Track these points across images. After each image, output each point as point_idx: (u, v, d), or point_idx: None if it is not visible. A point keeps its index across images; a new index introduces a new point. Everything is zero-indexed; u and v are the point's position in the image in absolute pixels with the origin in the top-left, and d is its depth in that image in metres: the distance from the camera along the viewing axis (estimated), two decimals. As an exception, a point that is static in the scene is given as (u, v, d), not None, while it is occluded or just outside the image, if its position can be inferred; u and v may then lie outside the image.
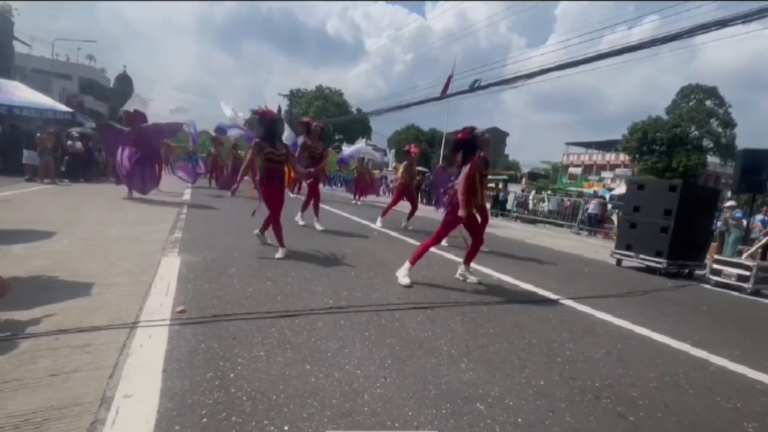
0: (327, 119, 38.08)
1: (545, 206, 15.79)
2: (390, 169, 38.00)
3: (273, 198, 4.37)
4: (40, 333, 1.99)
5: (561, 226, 13.89)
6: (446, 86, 21.54)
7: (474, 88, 13.90)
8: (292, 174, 6.54)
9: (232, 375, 1.79)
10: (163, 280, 3.02)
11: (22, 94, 11.95)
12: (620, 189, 14.37)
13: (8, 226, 4.37)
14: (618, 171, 42.76)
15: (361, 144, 16.39)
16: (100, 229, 4.78)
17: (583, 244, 9.50)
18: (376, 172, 20.91)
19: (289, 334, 2.29)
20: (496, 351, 2.38)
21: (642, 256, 6.10)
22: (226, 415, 1.50)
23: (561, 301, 3.72)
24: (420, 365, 2.08)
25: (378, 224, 7.61)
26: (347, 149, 17.58)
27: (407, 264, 3.79)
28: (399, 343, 2.32)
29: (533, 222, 14.64)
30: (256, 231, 4.73)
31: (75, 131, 11.93)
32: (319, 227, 6.23)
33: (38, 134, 10.11)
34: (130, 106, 8.33)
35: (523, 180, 34.74)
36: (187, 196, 9.89)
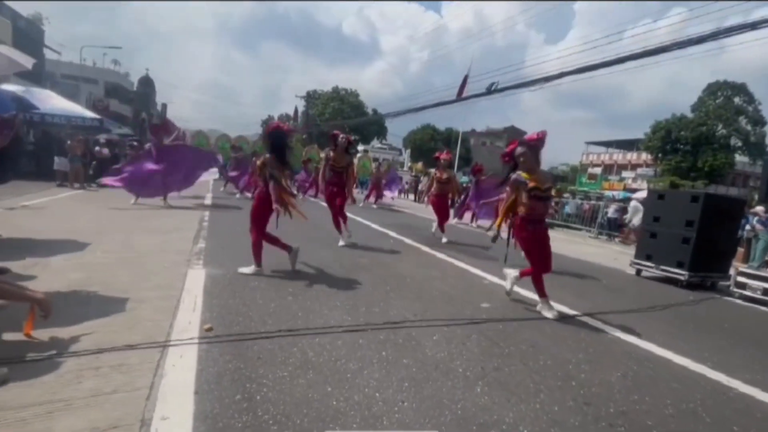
0: (343, 120, 38.33)
1: (565, 209, 15.53)
2: (405, 169, 38.02)
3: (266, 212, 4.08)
4: (81, 352, 2.14)
5: (579, 230, 13.68)
6: (462, 87, 21.40)
7: (491, 91, 13.80)
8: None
9: (258, 397, 1.90)
10: (190, 295, 3.17)
11: (54, 102, 12.47)
12: (642, 193, 14.01)
13: (47, 236, 4.63)
14: (640, 171, 41.70)
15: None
16: (128, 239, 5.00)
17: (602, 251, 9.36)
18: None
19: (311, 354, 2.39)
20: (511, 373, 2.42)
21: (663, 267, 6.00)
22: (254, 440, 1.60)
23: (577, 317, 3.72)
24: (436, 388, 2.15)
25: (438, 235, 7.42)
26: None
27: (543, 300, 3.64)
28: (416, 364, 2.40)
29: (551, 226, 14.45)
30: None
31: (102, 138, 12.38)
32: (341, 242, 5.97)
33: (68, 142, 10.56)
34: None
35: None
36: (207, 200, 10.17)
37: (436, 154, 7.63)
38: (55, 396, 1.76)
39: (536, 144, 3.58)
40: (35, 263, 3.59)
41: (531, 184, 3.52)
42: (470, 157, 53.41)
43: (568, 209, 15.53)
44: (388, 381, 2.17)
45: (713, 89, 38.40)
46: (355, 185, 6.69)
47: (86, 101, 25.61)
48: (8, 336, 2.23)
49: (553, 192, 3.68)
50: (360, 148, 51.85)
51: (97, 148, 11.98)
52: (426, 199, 8.05)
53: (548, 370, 2.53)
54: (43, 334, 2.26)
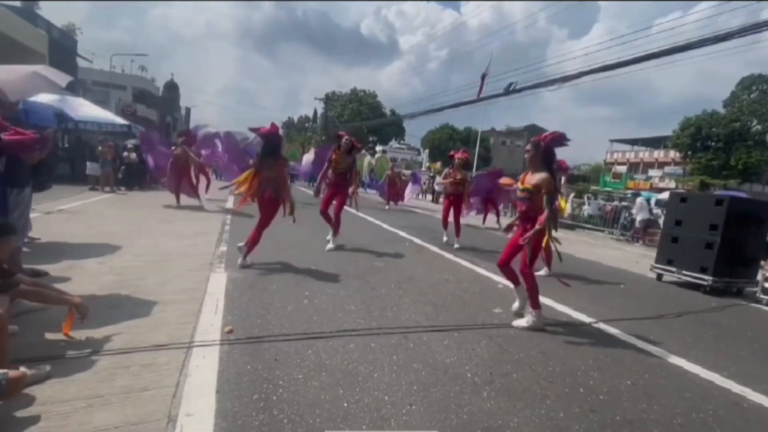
0: (361, 122, 38.59)
1: (585, 210, 15.22)
2: (423, 169, 37.95)
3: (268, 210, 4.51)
4: (115, 351, 2.32)
5: (601, 231, 13.40)
6: (481, 87, 21.25)
7: (509, 91, 13.68)
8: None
9: (274, 397, 2.02)
10: (212, 298, 3.35)
11: (85, 109, 13.11)
12: (666, 194, 13.64)
13: (81, 239, 4.93)
14: (667, 169, 40.24)
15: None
16: (155, 242, 5.27)
17: (623, 254, 9.17)
18: (407, 172, 20.97)
19: (324, 357, 2.51)
20: (518, 379, 2.48)
21: (685, 272, 5.86)
22: (270, 437, 1.73)
23: (591, 323, 3.71)
24: (444, 392, 2.23)
25: (450, 241, 7.18)
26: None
27: (531, 311, 3.43)
28: (425, 369, 2.48)
29: (572, 228, 14.19)
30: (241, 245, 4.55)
31: (130, 143, 12.92)
32: (329, 246, 5.89)
33: (99, 147, 11.09)
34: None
35: (562, 180, 33.42)
36: (230, 203, 10.49)
37: (452, 153, 7.43)
38: (92, 392, 1.94)
39: (543, 143, 3.50)
40: (71, 266, 3.85)
41: (519, 185, 3.53)
42: (490, 156, 52.81)
43: (589, 210, 15.22)
44: (397, 384, 2.26)
45: (747, 83, 36.70)
46: (357, 188, 6.53)
47: (115, 107, 26.73)
48: (50, 336, 2.43)
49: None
50: (378, 148, 52.15)
51: (125, 153, 12.52)
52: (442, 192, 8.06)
53: (557, 376, 2.57)
54: (80, 334, 2.46)
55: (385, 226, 9.02)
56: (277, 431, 1.77)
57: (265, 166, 4.45)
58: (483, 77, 20.79)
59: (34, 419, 1.72)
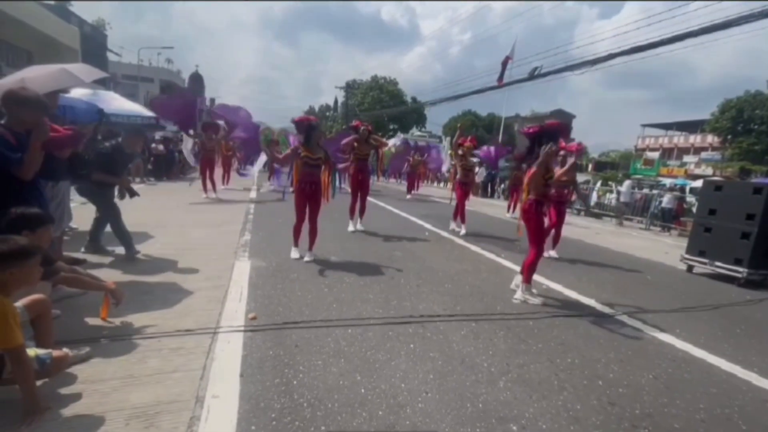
0: (382, 109, 38.32)
1: (612, 197, 14.70)
2: (445, 156, 37.47)
3: (302, 203, 4.49)
4: (147, 335, 2.47)
5: (629, 220, 12.96)
6: (503, 70, 20.60)
7: (534, 75, 13.26)
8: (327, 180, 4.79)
9: (295, 382, 2.11)
10: (237, 286, 3.49)
11: (116, 103, 13.57)
12: (700, 182, 13.05)
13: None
14: (704, 155, 38.22)
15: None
16: (183, 231, 5.48)
17: (652, 244, 8.85)
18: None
19: (343, 343, 2.58)
20: (536, 370, 2.48)
21: (718, 263, 5.63)
22: (290, 420, 1.81)
23: (614, 315, 3.65)
24: (460, 382, 2.27)
25: (457, 229, 7.16)
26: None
27: (522, 286, 3.81)
28: (441, 358, 2.52)
29: (598, 216, 13.79)
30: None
31: (158, 135, 13.35)
32: (351, 228, 6.39)
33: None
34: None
35: (589, 167, 32.41)
36: (253, 194, 10.74)
37: (459, 140, 7.35)
38: (127, 372, 2.08)
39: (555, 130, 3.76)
40: (107, 254, 4.08)
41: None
42: (514, 143, 51.62)
43: (622, 197, 14.63)
44: (414, 372, 2.31)
45: (796, 61, 34.09)
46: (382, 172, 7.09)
47: (144, 99, 27.57)
48: (89, 320, 2.61)
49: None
50: (399, 136, 51.75)
51: (153, 145, 12.96)
52: (451, 186, 8.08)
53: (575, 368, 2.55)
54: (115, 319, 2.62)
55: (404, 214, 9.03)
56: (297, 414, 1.85)
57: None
58: (505, 62, 20.14)
59: (77, 396, 1.86)
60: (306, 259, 4.49)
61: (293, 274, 3.98)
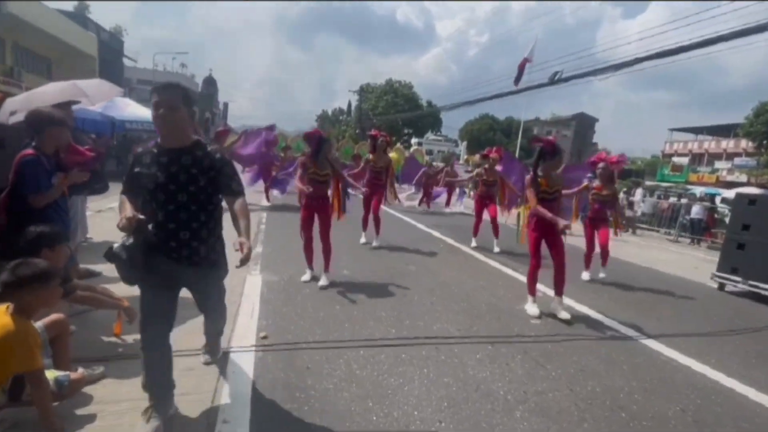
0: (396, 114, 38.49)
1: (638, 209, 14.39)
2: (461, 162, 37.35)
3: (309, 220, 4.30)
4: (159, 354, 2.53)
5: (656, 231, 12.66)
6: (520, 72, 20.37)
7: (554, 80, 13.15)
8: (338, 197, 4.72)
9: (306, 408, 2.14)
10: (248, 301, 3.55)
11: (131, 109, 14.02)
12: (730, 193, 12.75)
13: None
14: (737, 161, 37.09)
15: None
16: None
17: (681, 258, 8.63)
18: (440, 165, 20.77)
19: (355, 366, 2.60)
20: (555, 399, 2.45)
21: (752, 282, 5.45)
22: (301, 448, 1.84)
23: (638, 338, 3.57)
24: (475, 410, 2.26)
25: (473, 244, 7.00)
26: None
27: (529, 298, 4.04)
28: (456, 383, 2.51)
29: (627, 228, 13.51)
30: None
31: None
32: (362, 240, 6.46)
33: (139, 148, 11.91)
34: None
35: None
36: (264, 201, 10.89)
37: (485, 151, 7.25)
38: (140, 394, 2.12)
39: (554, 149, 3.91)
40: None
41: (542, 187, 3.86)
42: (533, 148, 51.10)
43: (644, 207, 14.39)
44: (427, 399, 2.31)
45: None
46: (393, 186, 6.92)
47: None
48: (103, 337, 2.69)
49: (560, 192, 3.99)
50: (413, 141, 51.87)
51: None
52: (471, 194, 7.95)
53: (596, 397, 2.51)
54: (129, 336, 2.70)
55: (418, 225, 9.03)
56: (308, 442, 1.88)
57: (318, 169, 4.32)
58: (523, 64, 19.94)
59: (92, 417, 1.93)
60: (321, 283, 4.19)
61: (305, 289, 4.03)
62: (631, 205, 13.03)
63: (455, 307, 3.90)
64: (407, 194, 8.58)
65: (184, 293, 2.09)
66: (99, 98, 4.00)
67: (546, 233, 3.87)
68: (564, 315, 3.78)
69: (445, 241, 7.26)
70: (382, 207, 6.33)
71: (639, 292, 5.21)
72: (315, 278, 4.33)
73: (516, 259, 6.30)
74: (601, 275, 5.57)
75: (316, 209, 4.32)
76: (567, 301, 4.38)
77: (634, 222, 12.64)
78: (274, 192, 10.34)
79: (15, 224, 2.47)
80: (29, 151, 2.51)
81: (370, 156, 6.23)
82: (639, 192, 13.55)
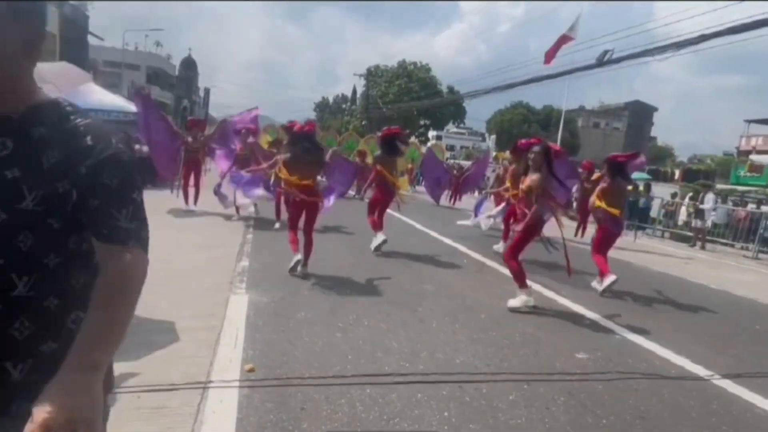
0: (410, 101, 38.69)
1: (709, 218, 14.11)
2: (490, 160, 37.21)
3: (297, 213, 5.28)
4: (125, 389, 2.54)
5: (731, 246, 12.44)
6: (555, 48, 20.28)
7: (603, 61, 13.11)
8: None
9: (300, 458, 2.12)
10: (232, 326, 3.56)
11: (96, 96, 14.29)
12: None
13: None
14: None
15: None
16: (169, 254, 5.64)
17: (761, 280, 8.46)
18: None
19: (360, 408, 2.58)
20: (607, 453, 2.40)
21: None
22: (294, 508, 1.82)
23: (710, 379, 3.49)
24: (507, 465, 2.22)
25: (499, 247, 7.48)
26: None
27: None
28: (484, 431, 2.48)
29: (686, 239, 13.32)
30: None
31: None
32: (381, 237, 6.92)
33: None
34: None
35: (676, 175, 31.54)
36: (252, 207, 10.98)
37: (521, 142, 7.25)
38: (100, 437, 2.15)
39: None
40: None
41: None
42: (577, 143, 50.96)
43: (715, 218, 14.10)
44: (448, 450, 2.28)
45: None
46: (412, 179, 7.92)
47: (128, 90, 28.94)
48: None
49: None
50: (431, 134, 52.06)
51: (137, 146, 13.50)
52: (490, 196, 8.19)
53: (659, 452, 2.45)
54: (88, 366, 2.72)
55: (436, 235, 9.01)
56: (302, 500, 1.86)
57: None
58: (561, 41, 19.88)
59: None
60: (299, 270, 5.13)
61: (299, 312, 4.03)
62: (700, 213, 12.69)
63: (483, 336, 3.86)
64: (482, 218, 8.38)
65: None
66: (66, 85, 4.11)
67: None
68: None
69: (469, 255, 7.23)
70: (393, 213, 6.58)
71: (711, 321, 5.12)
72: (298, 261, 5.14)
73: (556, 277, 6.24)
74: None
75: (305, 204, 5.18)
76: (628, 333, 4.34)
77: (704, 234, 12.44)
78: (239, 198, 8.44)
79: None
80: None
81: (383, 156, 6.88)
82: (710, 198, 13.03)
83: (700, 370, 3.62)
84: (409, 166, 23.97)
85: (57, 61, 5.10)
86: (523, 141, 7.01)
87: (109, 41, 38.85)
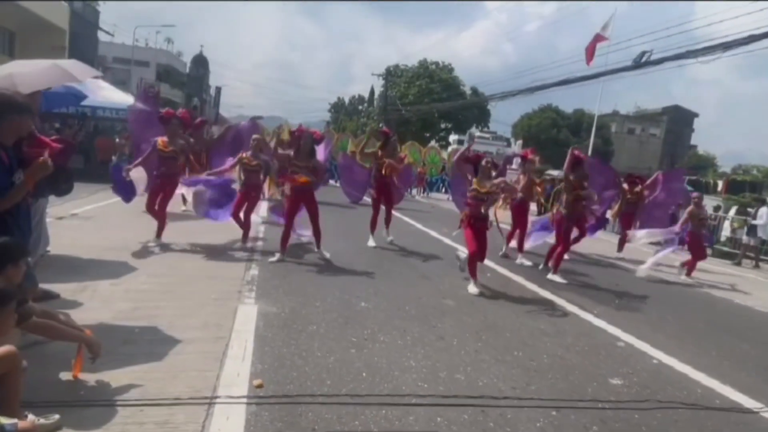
0: (432, 103, 38.72)
1: (763, 234, 13.55)
2: (515, 166, 36.93)
3: (294, 208, 6.39)
4: (129, 402, 2.57)
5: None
6: (591, 50, 20.22)
7: (641, 63, 12.95)
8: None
9: (310, 483, 2.11)
10: (240, 338, 3.57)
11: (104, 93, 14.66)
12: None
13: (95, 253, 5.52)
14: None
15: None
16: (174, 260, 5.74)
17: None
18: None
19: (375, 430, 2.56)
20: (645, 490, 2.33)
21: None
22: None
23: (760, 411, 3.38)
24: (535, 499, 2.17)
25: (521, 260, 7.88)
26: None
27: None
28: (509, 461, 2.43)
29: (731, 256, 12.97)
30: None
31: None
32: (371, 243, 7.88)
33: (117, 140, 12.39)
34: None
35: (719, 186, 30.91)
36: (263, 211, 11.07)
37: (525, 153, 8.59)
38: (101, 451, 2.16)
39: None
40: (83, 288, 4.33)
41: (473, 187, 5.70)
42: (610, 150, 50.30)
43: (764, 234, 13.56)
44: (470, 480, 2.24)
45: None
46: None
47: (137, 88, 29.60)
48: (60, 375, 2.75)
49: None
50: (452, 138, 51.95)
51: (144, 146, 13.80)
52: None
53: (703, 491, 2.37)
54: (90, 376, 2.75)
55: (460, 247, 8.94)
56: None
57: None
58: (594, 40, 19.83)
59: (40, 480, 1.95)
60: (326, 255, 6.46)
61: (311, 325, 4.03)
62: (752, 230, 12.11)
63: (507, 357, 3.80)
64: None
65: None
66: (82, 75, 4.24)
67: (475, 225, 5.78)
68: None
69: (492, 269, 7.15)
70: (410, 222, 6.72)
71: (759, 348, 4.96)
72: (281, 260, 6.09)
73: (587, 296, 6.16)
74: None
75: (303, 199, 6.34)
76: (666, 358, 4.24)
77: (757, 253, 12.01)
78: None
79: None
80: None
81: (379, 152, 7.74)
82: (765, 212, 12.10)
83: (747, 402, 3.51)
84: (419, 170, 23.87)
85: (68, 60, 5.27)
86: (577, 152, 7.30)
87: (119, 37, 39.89)
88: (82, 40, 26.26)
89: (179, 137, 6.60)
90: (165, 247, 6.27)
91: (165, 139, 6.33)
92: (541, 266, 7.40)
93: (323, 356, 3.44)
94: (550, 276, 6.84)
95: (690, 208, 8.26)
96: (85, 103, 13.62)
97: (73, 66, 4.01)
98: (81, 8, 27.35)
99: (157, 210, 6.42)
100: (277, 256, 6.15)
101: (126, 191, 6.64)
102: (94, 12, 30.27)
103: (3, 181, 2.63)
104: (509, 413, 2.91)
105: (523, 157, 8.39)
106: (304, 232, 7.06)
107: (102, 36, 34.50)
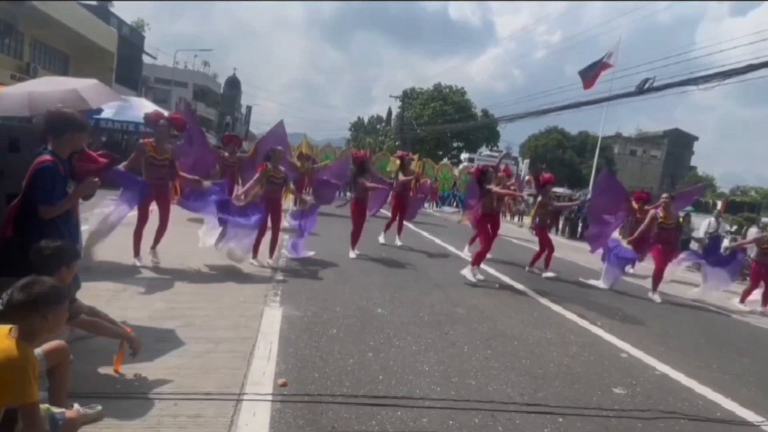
0: (445, 124, 38.80)
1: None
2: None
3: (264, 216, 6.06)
4: (163, 395, 2.59)
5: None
6: (594, 76, 20.01)
7: (644, 89, 12.82)
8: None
9: (330, 478, 2.09)
10: (266, 340, 3.59)
11: (147, 110, 15.03)
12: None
13: (132, 257, 5.59)
14: None
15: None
16: (207, 264, 5.78)
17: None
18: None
19: (391, 430, 2.54)
20: (648, 497, 2.26)
21: None
22: None
23: (760, 425, 3.26)
24: (542, 502, 2.12)
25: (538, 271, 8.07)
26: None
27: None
28: (517, 464, 2.38)
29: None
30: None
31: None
32: (381, 239, 8.93)
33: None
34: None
35: (717, 206, 30.22)
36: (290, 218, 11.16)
37: (540, 174, 8.82)
38: (139, 441, 2.18)
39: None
40: (123, 289, 4.39)
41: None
42: (613, 170, 49.65)
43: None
44: (481, 481, 2.20)
45: None
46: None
47: (175, 106, 30.25)
48: (101, 369, 2.79)
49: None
50: (463, 156, 51.86)
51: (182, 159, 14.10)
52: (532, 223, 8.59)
53: (706, 501, 2.29)
54: (129, 370, 2.78)
55: (468, 258, 8.87)
56: None
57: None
58: (598, 65, 19.62)
59: (83, 466, 1.98)
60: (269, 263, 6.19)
61: (332, 329, 4.03)
62: (745, 250, 12.05)
63: (516, 364, 3.75)
64: None
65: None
66: (98, 102, 4.35)
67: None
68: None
69: (504, 282, 7.07)
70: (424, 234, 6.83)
71: (759, 363, 4.81)
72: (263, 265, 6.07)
73: (592, 307, 6.05)
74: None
75: (271, 207, 6.26)
76: (660, 364, 4.14)
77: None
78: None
79: (20, 237, 2.65)
80: (47, 157, 2.69)
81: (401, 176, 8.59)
82: (753, 232, 12.47)
83: (748, 415, 3.39)
84: (434, 185, 23.79)
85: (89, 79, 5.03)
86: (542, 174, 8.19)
87: (161, 60, 40.92)
88: (127, 62, 27.02)
89: (168, 142, 5.59)
90: (198, 253, 6.31)
91: (153, 143, 5.33)
92: (527, 268, 8.14)
93: (342, 358, 3.43)
94: (545, 275, 7.75)
95: (756, 234, 8.40)
96: (101, 116, 14.21)
97: (91, 90, 4.12)
98: (128, 33, 28.18)
99: (158, 229, 5.67)
100: (256, 261, 6.00)
101: (132, 180, 5.34)
102: (140, 37, 31.19)
103: (60, 191, 2.72)
104: (518, 418, 2.86)
105: (541, 183, 8.23)
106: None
107: (146, 58, 35.55)
